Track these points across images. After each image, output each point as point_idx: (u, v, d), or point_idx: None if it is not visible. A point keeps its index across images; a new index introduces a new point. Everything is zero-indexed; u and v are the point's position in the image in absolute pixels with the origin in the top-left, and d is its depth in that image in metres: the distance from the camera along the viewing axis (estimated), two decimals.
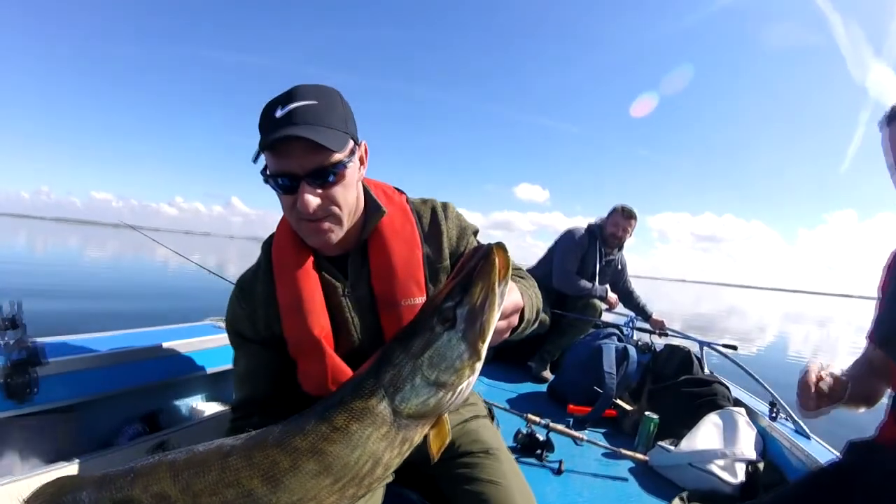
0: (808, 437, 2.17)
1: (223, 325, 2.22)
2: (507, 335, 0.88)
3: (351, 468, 0.71)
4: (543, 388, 3.37)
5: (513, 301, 0.84)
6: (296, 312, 1.01)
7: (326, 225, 0.96)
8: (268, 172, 0.93)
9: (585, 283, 3.62)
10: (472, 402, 1.36)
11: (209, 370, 2.12)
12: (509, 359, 3.83)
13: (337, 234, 0.99)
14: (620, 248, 3.84)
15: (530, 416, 2.15)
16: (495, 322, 0.73)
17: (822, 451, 2.01)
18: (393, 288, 1.05)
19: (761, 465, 2.10)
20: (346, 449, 0.70)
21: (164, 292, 13.10)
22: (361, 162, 1.03)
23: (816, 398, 1.17)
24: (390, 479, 1.09)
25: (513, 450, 1.82)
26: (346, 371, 1.01)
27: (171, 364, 1.97)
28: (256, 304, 1.07)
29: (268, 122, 0.90)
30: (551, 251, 3.83)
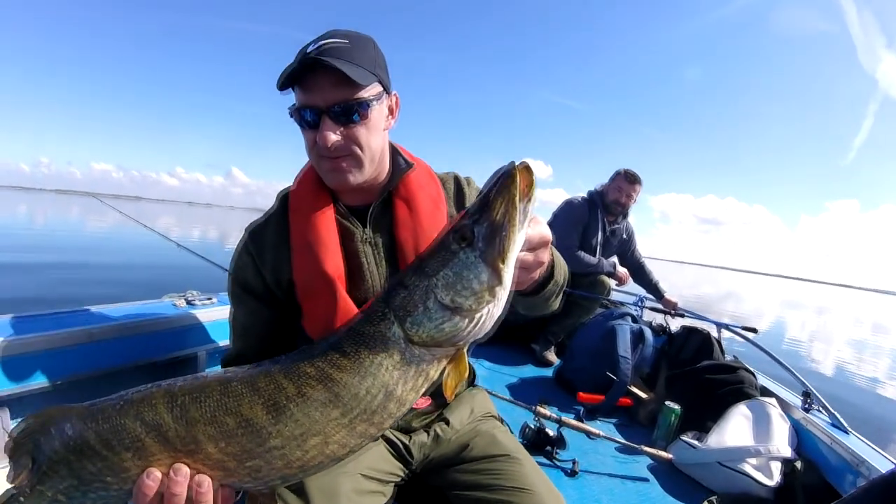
0: (846, 431, 1.94)
1: (182, 303, 2.01)
2: (536, 275, 0.79)
3: (361, 399, 0.67)
4: (549, 372, 3.12)
5: (539, 232, 0.75)
6: (309, 251, 0.98)
7: (346, 164, 0.95)
8: (294, 108, 0.94)
9: (590, 259, 3.33)
10: (480, 397, 1.28)
11: (168, 356, 1.83)
12: (510, 340, 3.56)
13: (356, 176, 0.97)
14: (625, 215, 3.53)
15: (540, 409, 1.90)
16: (518, 242, 0.67)
17: (863, 447, 1.80)
18: (417, 237, 1.02)
19: (799, 464, 1.87)
20: (357, 377, 0.67)
21: (127, 265, 11.81)
22: (391, 112, 1.03)
23: None
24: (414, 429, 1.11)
25: None
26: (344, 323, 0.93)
27: (122, 350, 1.68)
28: (265, 248, 1.05)
29: (298, 56, 0.90)
30: (550, 226, 3.51)
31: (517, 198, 0.65)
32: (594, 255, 3.38)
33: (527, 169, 0.66)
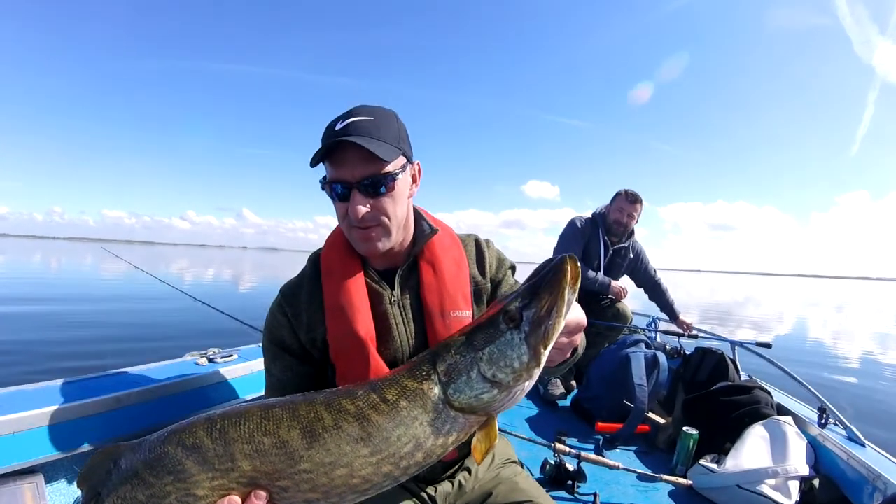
0: (862, 444, 1.97)
1: (204, 361, 2.04)
2: (568, 355, 0.86)
3: (391, 444, 0.71)
4: (567, 401, 3.16)
5: (577, 317, 0.81)
6: (341, 313, 1.04)
7: (375, 233, 1.02)
8: (325, 181, 1.02)
9: (590, 273, 3.33)
10: (501, 444, 1.30)
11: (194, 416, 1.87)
12: None
13: (384, 244, 1.04)
14: (629, 235, 3.52)
15: (558, 445, 1.96)
16: (560, 330, 0.72)
17: (879, 460, 1.83)
18: (442, 299, 1.09)
19: (816, 482, 1.90)
20: (391, 423, 0.71)
21: (144, 323, 10.11)
22: (414, 180, 1.10)
23: None
24: None
25: (540, 482, 1.63)
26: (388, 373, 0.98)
27: (150, 412, 1.70)
28: (300, 308, 1.10)
29: (327, 132, 0.98)
30: (555, 249, 3.54)
31: (566, 291, 0.71)
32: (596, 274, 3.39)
33: (574, 262, 0.72)
